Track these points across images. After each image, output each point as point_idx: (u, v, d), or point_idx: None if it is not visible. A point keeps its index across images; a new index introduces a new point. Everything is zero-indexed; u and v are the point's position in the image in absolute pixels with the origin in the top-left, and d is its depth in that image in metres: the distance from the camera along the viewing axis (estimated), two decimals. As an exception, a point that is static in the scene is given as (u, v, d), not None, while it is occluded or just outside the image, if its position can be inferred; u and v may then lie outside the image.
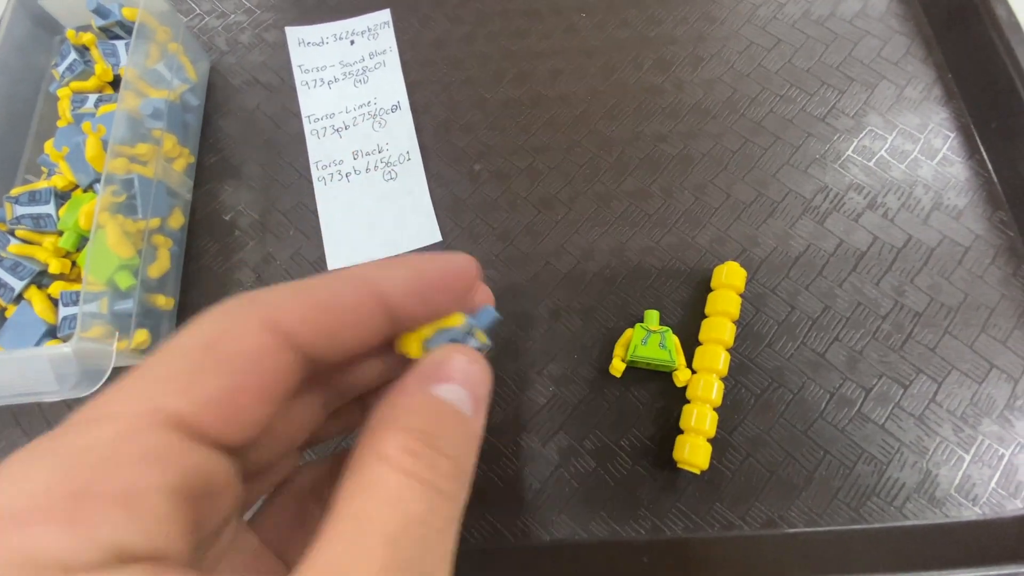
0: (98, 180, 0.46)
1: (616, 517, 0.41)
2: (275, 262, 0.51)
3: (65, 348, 0.37)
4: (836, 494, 0.41)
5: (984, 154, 0.51)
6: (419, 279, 0.21)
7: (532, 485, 0.42)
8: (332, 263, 0.50)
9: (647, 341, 0.42)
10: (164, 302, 0.47)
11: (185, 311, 0.50)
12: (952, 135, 0.52)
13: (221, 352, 0.18)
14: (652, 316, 0.44)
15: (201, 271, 0.51)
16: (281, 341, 0.18)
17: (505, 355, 0.46)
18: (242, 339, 0.18)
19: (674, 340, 0.42)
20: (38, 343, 0.43)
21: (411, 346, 0.22)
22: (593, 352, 0.46)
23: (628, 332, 0.44)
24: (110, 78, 0.52)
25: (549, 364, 0.46)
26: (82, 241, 0.46)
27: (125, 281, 0.43)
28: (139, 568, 0.14)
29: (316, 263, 0.51)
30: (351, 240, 0.51)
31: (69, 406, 0.48)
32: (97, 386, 0.39)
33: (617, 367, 0.43)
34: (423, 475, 0.18)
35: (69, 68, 0.51)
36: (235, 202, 0.54)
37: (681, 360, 0.42)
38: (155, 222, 0.47)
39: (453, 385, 0.20)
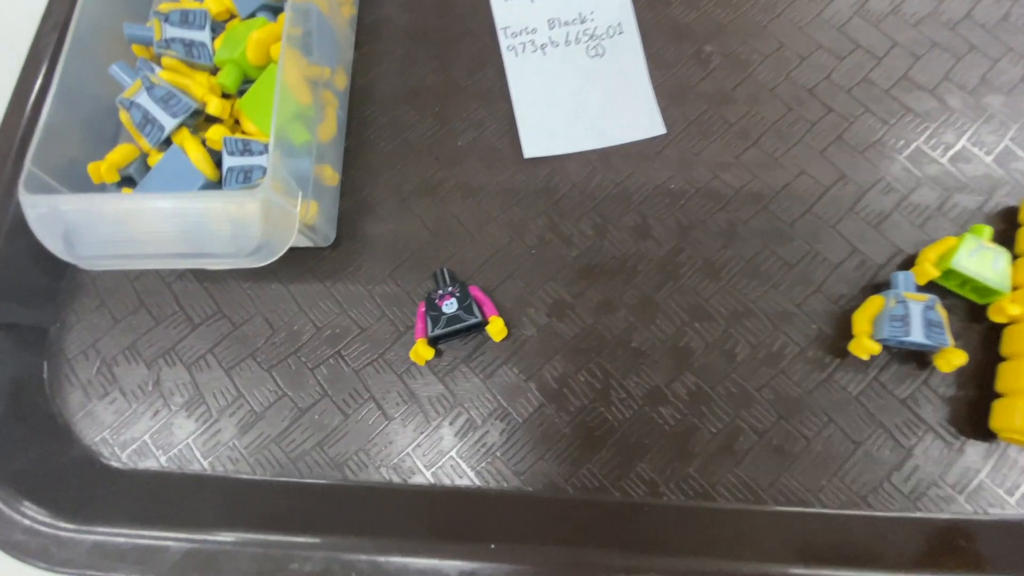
0: (262, 7, 0.37)
1: (910, 490, 0.33)
2: (456, 144, 0.42)
3: (251, 200, 0.28)
4: None
5: None
6: None
7: (794, 439, 0.34)
8: (529, 151, 0.41)
9: (977, 254, 0.33)
10: (330, 175, 0.39)
11: (348, 190, 0.41)
12: None
13: None
14: (983, 230, 0.34)
15: (364, 146, 0.42)
16: None
17: (750, 280, 0.37)
18: None
19: (1010, 265, 0.33)
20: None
21: None
22: (866, 284, 0.37)
23: (948, 239, 0.35)
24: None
25: (810, 297, 0.37)
26: (244, 83, 0.37)
27: (300, 135, 0.34)
28: None
29: (509, 149, 0.41)
30: (550, 126, 0.41)
31: (207, 289, 0.40)
32: (275, 257, 0.31)
33: (927, 272, 0.34)
34: None
35: None
36: (404, 67, 0.44)
37: (1010, 288, 0.33)
38: (325, 72, 0.38)
39: None
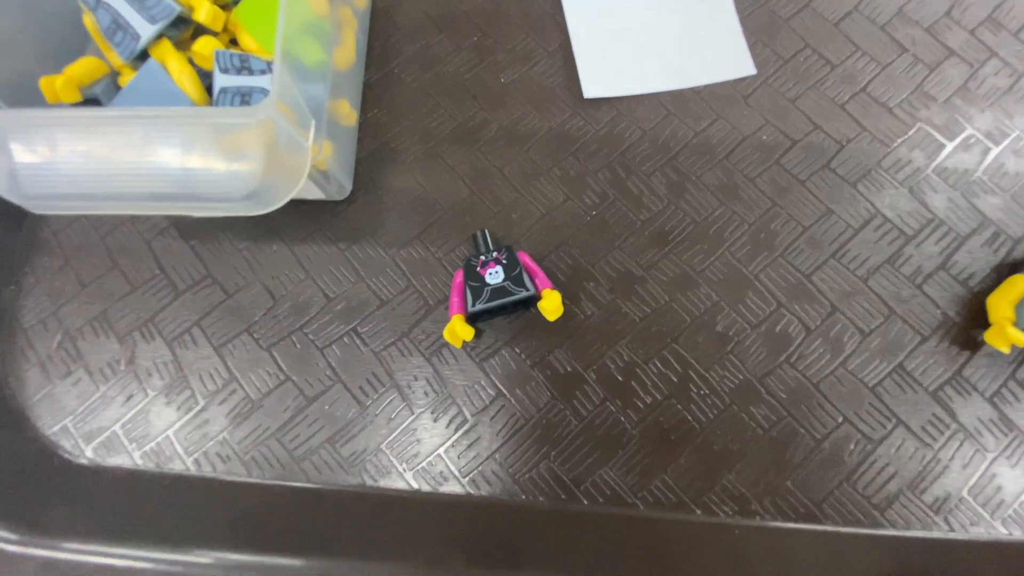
0: None
1: None
2: (499, 81, 0.35)
3: (251, 122, 0.22)
4: None
5: None
6: None
7: (923, 445, 0.28)
8: (589, 90, 0.34)
9: None
10: (347, 113, 0.32)
11: (367, 133, 0.34)
12: None
13: None
14: None
15: (387, 81, 0.35)
16: None
17: (859, 251, 0.30)
18: None
19: None
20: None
21: None
22: (1002, 262, 0.30)
23: None
24: None
25: (933, 275, 0.30)
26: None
27: (313, 53, 0.27)
28: None
29: (564, 88, 0.34)
30: (615, 61, 0.34)
31: (194, 249, 0.33)
32: (279, 204, 0.24)
33: None
34: None
35: None
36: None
37: None
38: (343, -18, 0.31)
39: None
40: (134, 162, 0.22)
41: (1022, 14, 0.34)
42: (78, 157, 0.22)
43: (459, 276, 0.29)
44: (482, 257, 0.29)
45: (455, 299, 0.29)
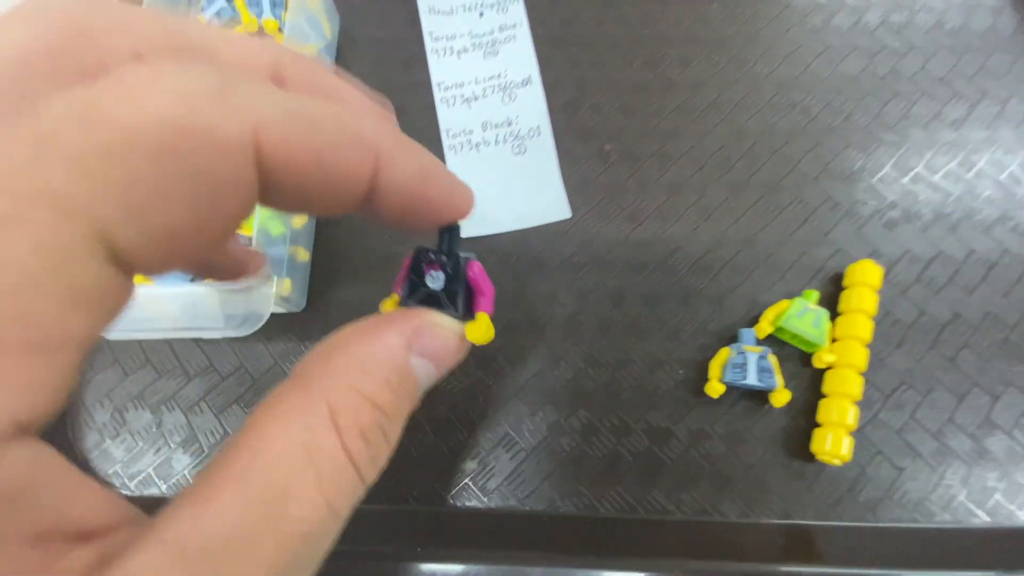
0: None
1: (748, 500, 0.42)
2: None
3: (238, 287, 0.38)
4: (957, 494, 0.42)
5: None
6: (423, 185, 0.20)
7: (661, 461, 0.44)
8: (463, 232, 0.51)
9: (803, 315, 0.43)
10: (302, 254, 0.48)
11: (317, 268, 0.50)
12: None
13: (191, 165, 0.14)
14: (812, 295, 0.45)
15: (332, 226, 0.52)
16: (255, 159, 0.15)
17: (633, 335, 0.47)
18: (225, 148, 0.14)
19: (828, 323, 0.43)
20: (188, 283, 0.44)
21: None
22: (724, 338, 0.47)
23: (783, 302, 0.45)
24: (255, 29, 0.53)
25: (678, 348, 0.47)
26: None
27: (276, 228, 0.43)
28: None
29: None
30: (480, 211, 0.51)
31: (200, 347, 0.48)
32: (258, 327, 0.40)
33: (765, 329, 0.44)
34: (363, 469, 0.17)
35: (217, 15, 0.51)
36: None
37: (828, 340, 0.43)
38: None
39: (426, 360, 0.20)
40: (167, 312, 0.38)
41: (753, 164, 0.52)
42: (133, 311, 0.38)
43: (408, 261, 0.26)
44: (432, 255, 0.25)
45: (400, 279, 0.26)
